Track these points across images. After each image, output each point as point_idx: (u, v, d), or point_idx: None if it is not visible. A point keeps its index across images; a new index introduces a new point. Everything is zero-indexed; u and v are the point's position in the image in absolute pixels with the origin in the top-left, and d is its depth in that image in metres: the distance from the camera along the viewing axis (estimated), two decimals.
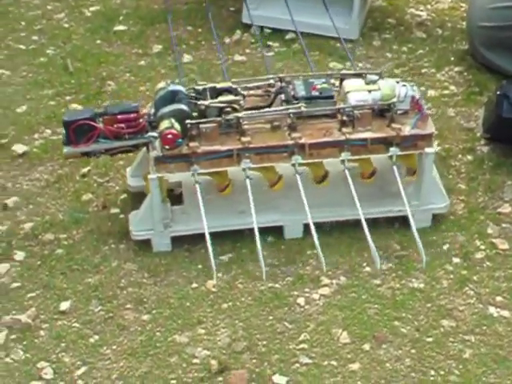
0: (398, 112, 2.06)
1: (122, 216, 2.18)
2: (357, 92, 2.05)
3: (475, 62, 2.64)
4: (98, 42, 2.79)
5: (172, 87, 2.04)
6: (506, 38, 2.51)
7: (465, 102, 2.52)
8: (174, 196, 2.16)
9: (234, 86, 2.06)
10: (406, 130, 2.04)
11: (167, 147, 1.98)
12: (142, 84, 2.61)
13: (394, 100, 2.04)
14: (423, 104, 2.07)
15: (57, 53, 2.76)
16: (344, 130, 2.02)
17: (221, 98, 2.03)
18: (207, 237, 1.93)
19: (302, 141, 2.01)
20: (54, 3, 2.99)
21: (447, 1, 2.92)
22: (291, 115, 2.02)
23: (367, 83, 2.08)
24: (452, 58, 2.68)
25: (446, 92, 2.56)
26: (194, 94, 2.04)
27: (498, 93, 2.18)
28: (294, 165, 2.01)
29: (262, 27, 2.80)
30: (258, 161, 2.02)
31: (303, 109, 2.02)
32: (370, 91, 2.05)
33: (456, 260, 2.05)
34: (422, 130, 2.05)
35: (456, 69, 2.64)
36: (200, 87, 2.06)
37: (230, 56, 2.71)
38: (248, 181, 2.01)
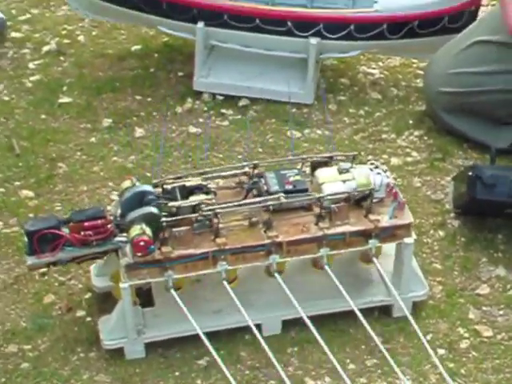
0: (374, 200, 2.00)
1: (88, 319, 2.07)
2: (331, 183, 1.98)
3: (434, 125, 2.60)
4: (43, 116, 2.66)
5: (139, 188, 1.94)
6: (467, 104, 2.47)
7: (429, 170, 2.47)
8: (142, 293, 2.06)
9: (204, 183, 1.98)
10: (384, 221, 1.98)
11: (139, 254, 1.88)
12: (94, 164, 2.49)
13: (370, 188, 1.98)
14: (398, 192, 2.02)
15: (0, 130, 2.63)
16: (321, 225, 1.95)
17: (192, 198, 1.94)
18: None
19: (280, 239, 1.94)
20: None
21: (398, 58, 2.88)
22: (270, 207, 1.94)
23: (340, 172, 2.01)
24: (410, 121, 2.63)
25: (408, 159, 2.51)
26: (162, 195, 1.95)
27: (471, 174, 2.14)
28: (271, 264, 1.94)
29: (214, 94, 2.72)
30: (233, 261, 1.94)
31: (283, 200, 1.94)
32: (344, 181, 1.99)
33: (441, 351, 1.99)
34: (400, 219, 1.99)
35: (416, 133, 2.59)
36: (168, 186, 1.97)
37: (183, 128, 2.62)
38: (225, 283, 1.93)
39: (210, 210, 1.91)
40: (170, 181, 1.98)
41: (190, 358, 1.99)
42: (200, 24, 2.63)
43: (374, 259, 1.99)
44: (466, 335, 2.04)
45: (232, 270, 1.97)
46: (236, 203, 1.94)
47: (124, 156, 2.52)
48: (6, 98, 2.74)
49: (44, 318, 2.07)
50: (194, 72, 2.72)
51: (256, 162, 2.05)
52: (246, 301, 1.99)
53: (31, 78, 2.81)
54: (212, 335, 1.96)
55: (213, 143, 2.56)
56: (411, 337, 2.02)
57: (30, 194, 2.39)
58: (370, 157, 2.50)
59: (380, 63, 2.88)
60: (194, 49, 2.73)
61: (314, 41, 2.62)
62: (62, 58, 2.89)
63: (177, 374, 1.96)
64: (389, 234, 1.98)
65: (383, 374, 1.96)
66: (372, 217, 1.97)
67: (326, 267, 1.96)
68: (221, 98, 2.70)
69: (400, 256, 2.02)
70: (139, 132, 2.59)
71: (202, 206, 1.91)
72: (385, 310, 2.07)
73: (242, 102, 2.70)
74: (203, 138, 2.56)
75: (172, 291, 1.91)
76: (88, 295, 2.12)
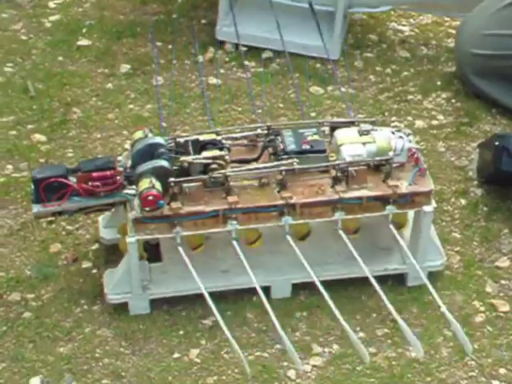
0: (394, 165, 1.92)
1: (94, 271, 2.02)
2: (350, 145, 1.90)
3: (463, 87, 2.50)
4: (61, 58, 2.58)
5: (151, 140, 1.87)
6: (500, 68, 2.37)
7: (455, 135, 2.38)
8: (150, 248, 2.00)
9: (218, 138, 1.90)
10: (404, 187, 1.90)
11: (148, 209, 1.82)
12: (110, 111, 2.42)
13: (391, 154, 1.90)
14: (420, 157, 1.94)
15: (15, 71, 2.55)
16: (338, 188, 1.88)
17: (205, 154, 1.86)
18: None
19: (293, 200, 1.86)
20: (10, 11, 2.78)
21: (430, 16, 2.77)
22: (283, 172, 1.87)
23: (361, 134, 1.93)
24: (439, 83, 2.53)
25: (434, 123, 2.41)
26: (175, 148, 1.88)
27: (497, 144, 2.05)
28: (283, 226, 1.88)
29: (237, 45, 2.63)
30: (245, 221, 1.87)
31: (296, 165, 1.87)
32: (364, 144, 1.91)
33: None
34: (421, 186, 1.91)
35: (443, 95, 2.50)
36: (181, 139, 1.90)
37: (203, 78, 2.54)
38: (235, 242, 1.87)
39: (220, 173, 1.84)
40: (184, 134, 1.91)
41: (195, 316, 1.94)
42: None
43: (391, 226, 1.92)
44: (482, 309, 1.97)
45: (254, 230, 1.91)
46: (248, 167, 1.87)
47: (140, 104, 2.44)
48: (24, 38, 2.66)
49: (49, 267, 2.02)
50: (216, 20, 2.64)
51: (269, 123, 1.97)
52: (257, 262, 1.92)
53: (50, 18, 2.73)
54: (219, 295, 1.91)
55: (232, 95, 2.48)
56: (424, 307, 1.95)
57: (43, 138, 2.33)
58: (393, 118, 2.43)
59: (411, 20, 2.77)
60: None
61: None
62: None
63: (181, 332, 1.91)
64: (407, 200, 1.91)
65: (393, 344, 1.90)
66: (391, 182, 1.89)
67: (341, 232, 1.89)
68: (244, 48, 2.61)
69: (418, 224, 1.94)
70: (158, 80, 2.52)
71: (213, 166, 1.84)
72: (398, 279, 2.01)
73: (265, 54, 2.61)
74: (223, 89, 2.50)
75: (180, 248, 1.85)
76: (95, 246, 2.07)
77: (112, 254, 2.03)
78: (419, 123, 2.41)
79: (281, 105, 2.47)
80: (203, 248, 1.94)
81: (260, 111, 2.42)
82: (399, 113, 2.44)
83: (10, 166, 2.26)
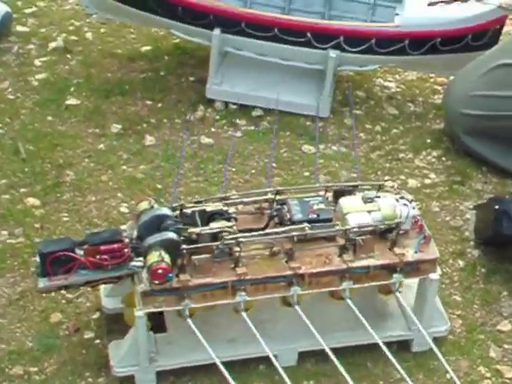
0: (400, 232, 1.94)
1: (97, 341, 1.99)
2: (356, 213, 1.91)
3: (453, 145, 2.53)
4: (50, 118, 2.56)
5: (158, 211, 1.86)
6: (490, 127, 2.41)
7: (448, 194, 2.40)
8: (154, 317, 1.97)
9: (225, 209, 1.90)
10: (410, 255, 1.91)
11: (157, 282, 1.80)
12: (103, 172, 2.40)
13: (397, 222, 1.91)
14: (424, 224, 1.95)
15: (4, 132, 2.53)
16: (345, 257, 1.88)
17: (213, 225, 1.86)
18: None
19: (302, 271, 1.86)
20: None
21: (415, 72, 2.80)
22: (294, 238, 1.87)
23: (365, 201, 1.94)
24: (428, 140, 2.56)
25: (426, 182, 2.44)
26: (181, 220, 1.87)
27: (497, 208, 2.08)
28: (292, 296, 1.88)
29: (226, 103, 2.63)
30: (253, 292, 1.86)
31: (307, 230, 1.87)
32: (369, 212, 1.92)
33: None
34: (426, 254, 1.92)
35: (434, 153, 2.52)
36: (188, 210, 1.89)
37: (194, 137, 2.54)
38: (244, 314, 1.86)
39: (232, 238, 1.84)
40: (190, 204, 1.90)
41: None
42: (216, 31, 2.54)
43: (397, 294, 1.93)
44: (488, 375, 1.98)
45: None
46: (260, 233, 1.87)
47: (134, 165, 2.43)
48: (11, 97, 2.64)
49: (51, 338, 2.00)
50: (205, 77, 2.63)
51: (279, 188, 1.98)
52: (261, 330, 1.90)
53: (37, 77, 2.71)
54: (224, 365, 1.89)
55: (225, 155, 2.48)
56: (431, 374, 1.96)
57: (37, 202, 2.30)
58: (386, 177, 2.45)
59: (397, 76, 2.80)
60: (206, 53, 2.65)
61: (333, 53, 2.53)
62: (68, 56, 2.79)
63: None
64: (413, 268, 1.92)
65: None
66: (397, 250, 1.91)
67: (348, 301, 1.89)
68: (234, 106, 2.63)
69: (424, 291, 1.95)
70: (149, 140, 2.50)
71: (224, 233, 1.83)
72: (402, 345, 2.01)
73: (255, 112, 2.62)
74: (215, 149, 2.50)
75: (189, 320, 1.84)
76: (96, 315, 2.04)
77: (114, 323, 2.01)
78: (412, 182, 2.43)
79: (274, 164, 2.48)
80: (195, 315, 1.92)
81: (253, 171, 2.44)
82: (391, 172, 2.47)
83: (4, 232, 2.23)
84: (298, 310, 1.88)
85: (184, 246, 1.81)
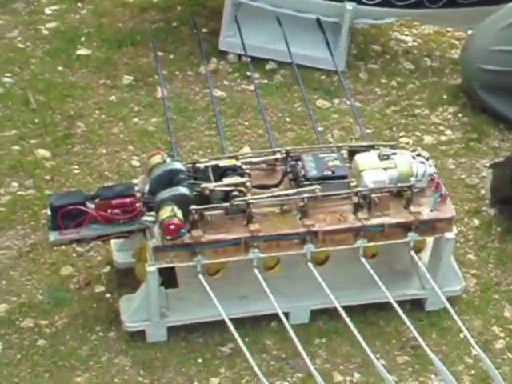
0: (415, 191, 1.90)
1: (108, 295, 1.98)
2: (372, 171, 1.88)
3: (470, 101, 2.49)
4: (60, 68, 2.52)
5: (170, 166, 1.83)
6: (510, 84, 2.35)
7: (464, 152, 2.36)
8: (165, 271, 1.95)
9: (239, 164, 1.87)
10: (425, 214, 1.88)
11: (169, 238, 1.78)
12: (114, 125, 2.37)
13: (413, 180, 1.88)
14: (441, 182, 1.92)
15: (15, 81, 2.49)
16: (360, 215, 1.85)
17: (226, 181, 1.83)
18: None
19: (316, 228, 1.84)
20: (5, 17, 2.70)
21: (432, 26, 2.75)
22: (305, 199, 1.84)
23: (381, 159, 1.91)
24: (445, 96, 2.52)
25: (442, 138, 2.40)
26: (194, 174, 1.84)
27: None
28: (305, 253, 1.85)
29: (239, 55, 2.59)
30: (266, 249, 1.84)
31: (318, 192, 1.84)
32: (385, 169, 1.89)
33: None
34: (442, 212, 1.89)
35: (450, 109, 2.48)
36: (201, 165, 1.86)
37: (207, 90, 2.49)
38: (257, 271, 1.84)
39: (242, 200, 1.81)
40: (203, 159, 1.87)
41: (213, 344, 1.91)
42: None
43: (412, 252, 1.90)
44: (502, 335, 1.96)
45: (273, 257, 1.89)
46: (270, 194, 1.84)
47: (145, 118, 2.40)
48: (21, 46, 2.60)
49: (61, 291, 1.98)
50: (218, 29, 2.59)
51: (289, 148, 1.94)
52: (273, 288, 1.89)
53: (47, 25, 2.67)
54: (236, 321, 1.86)
55: (238, 109, 2.44)
56: (444, 333, 1.94)
57: (47, 153, 2.28)
58: (402, 133, 2.41)
59: (413, 30, 2.75)
60: (218, 3, 2.60)
61: (349, 6, 2.48)
62: (79, 5, 2.75)
63: (199, 360, 1.88)
64: (429, 227, 1.89)
65: (414, 372, 1.88)
66: (413, 208, 1.88)
67: (362, 259, 1.87)
68: (247, 59, 2.58)
69: (439, 250, 1.93)
70: (160, 92, 2.47)
71: (235, 193, 1.80)
72: (416, 303, 1.99)
73: (269, 65, 2.58)
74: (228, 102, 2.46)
75: (201, 277, 1.82)
76: (107, 269, 2.03)
77: (125, 277, 1.99)
78: (428, 139, 2.40)
79: (287, 119, 2.44)
80: (222, 272, 1.91)
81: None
82: (407, 128, 2.43)
83: (15, 184, 2.20)
84: (311, 267, 1.86)
85: (194, 207, 1.78)
